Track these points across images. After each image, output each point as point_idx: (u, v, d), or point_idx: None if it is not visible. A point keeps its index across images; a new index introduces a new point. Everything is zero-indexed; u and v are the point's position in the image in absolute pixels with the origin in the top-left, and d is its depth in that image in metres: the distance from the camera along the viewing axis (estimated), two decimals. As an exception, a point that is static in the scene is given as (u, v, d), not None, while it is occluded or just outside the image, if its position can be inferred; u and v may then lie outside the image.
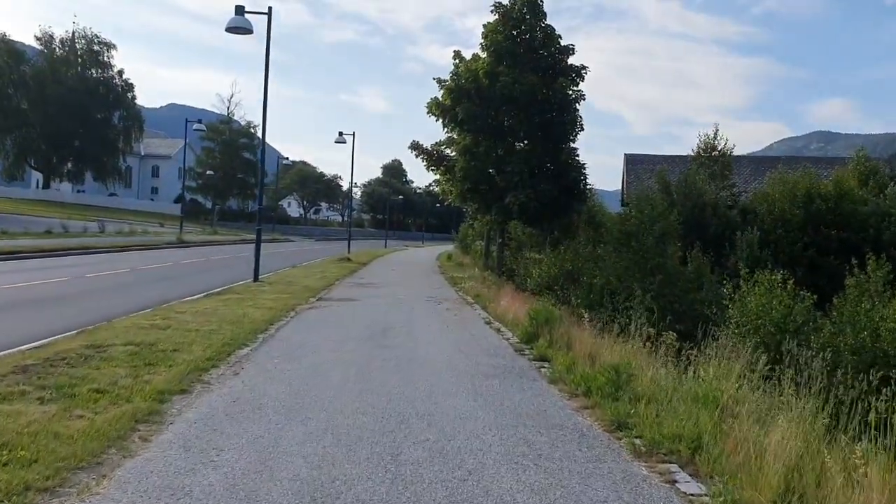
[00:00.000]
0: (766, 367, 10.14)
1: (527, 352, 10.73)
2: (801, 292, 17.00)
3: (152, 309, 13.76)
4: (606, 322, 22.15)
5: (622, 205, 46.14)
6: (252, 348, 10.14)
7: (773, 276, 16.77)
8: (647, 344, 12.11)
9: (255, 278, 21.69)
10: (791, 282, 17.25)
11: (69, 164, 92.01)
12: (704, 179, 32.81)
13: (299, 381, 8.11)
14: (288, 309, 15.06)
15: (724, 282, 25.27)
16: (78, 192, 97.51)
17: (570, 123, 26.81)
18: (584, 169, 27.27)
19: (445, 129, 28.42)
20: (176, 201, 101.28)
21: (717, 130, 36.95)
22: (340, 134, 44.20)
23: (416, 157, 28.37)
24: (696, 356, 11.47)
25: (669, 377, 8.74)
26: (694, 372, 9.81)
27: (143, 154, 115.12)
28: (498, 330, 13.14)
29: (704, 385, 8.06)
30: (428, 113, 27.62)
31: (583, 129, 27.67)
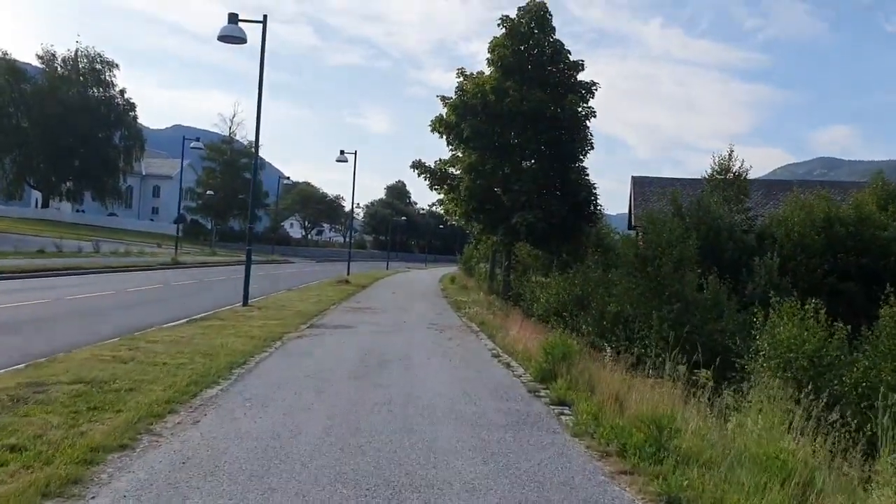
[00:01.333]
0: (825, 412, 8.74)
1: (542, 393, 9.26)
2: (835, 324, 15.70)
3: (122, 337, 12.34)
4: (622, 352, 20.80)
5: (629, 228, 44.85)
6: (223, 387, 8.69)
7: (808, 306, 15.34)
8: (676, 382, 10.74)
9: (245, 302, 20.28)
10: (823, 312, 15.88)
11: (69, 184, 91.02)
12: (719, 202, 31.45)
13: (270, 433, 6.66)
14: (274, 338, 13.63)
15: (750, 310, 24.03)
16: (77, 211, 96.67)
17: (579, 141, 25.54)
18: (595, 189, 25.95)
19: (450, 148, 27.18)
20: (175, 222, 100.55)
21: (733, 151, 35.50)
22: (342, 152, 43.10)
23: (419, 175, 27.08)
24: (733, 397, 10.05)
25: (716, 430, 7.30)
26: (736, 419, 8.40)
27: (144, 174, 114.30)
28: (507, 365, 11.66)
29: (762, 443, 6.61)
30: (432, 130, 26.36)
31: (592, 148, 26.44)
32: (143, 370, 9.17)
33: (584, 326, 23.71)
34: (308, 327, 16.25)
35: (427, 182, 27.21)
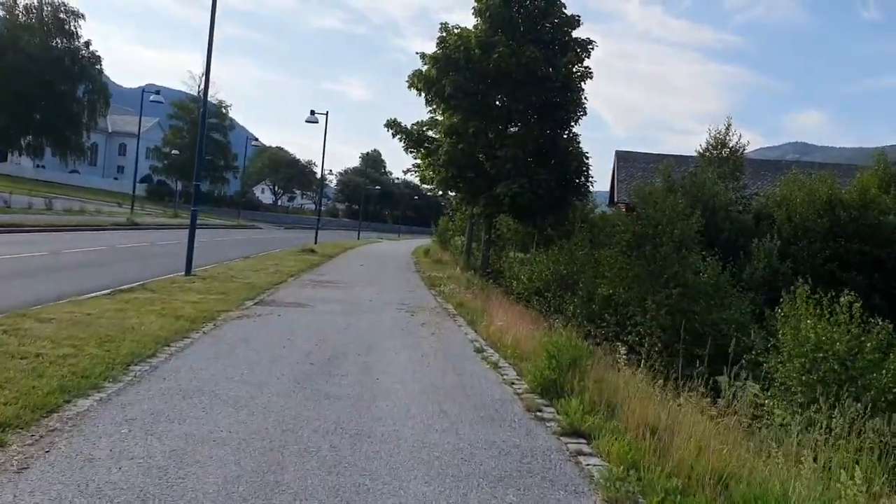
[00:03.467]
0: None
1: (547, 413, 6.84)
2: (871, 320, 13.54)
3: (10, 313, 9.73)
4: (611, 339, 18.62)
5: (610, 204, 42.75)
6: (102, 397, 6.19)
7: (844, 298, 13.14)
8: (683, 388, 8.53)
9: (188, 271, 17.67)
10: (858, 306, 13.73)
11: (29, 138, 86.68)
12: (714, 179, 29.29)
13: (138, 490, 4.21)
14: (207, 318, 11.10)
15: (750, 297, 21.90)
16: (38, 167, 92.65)
17: (572, 105, 22.99)
18: (588, 158, 23.47)
19: (429, 109, 24.55)
20: (142, 181, 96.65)
21: (730, 125, 33.18)
22: (312, 113, 40.37)
23: (394, 136, 24.37)
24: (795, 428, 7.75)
25: (812, 489, 4.96)
26: (815, 459, 6.11)
27: (110, 131, 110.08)
28: (495, 366, 9.20)
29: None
30: (409, 86, 23.70)
31: (585, 114, 23.92)
32: (-1, 367, 6.64)
33: (570, 309, 21.53)
34: (255, 304, 13.73)
35: (402, 144, 24.56)
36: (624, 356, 8.67)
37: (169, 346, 8.69)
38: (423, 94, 23.35)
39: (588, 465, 5.40)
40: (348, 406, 6.61)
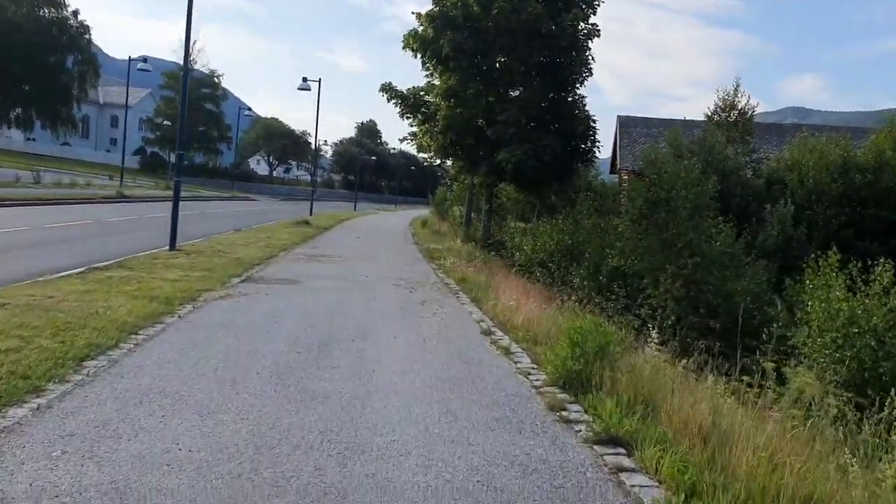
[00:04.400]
0: None
1: (573, 414, 5.76)
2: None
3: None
4: (622, 312, 17.62)
5: (611, 172, 41.56)
6: (38, 405, 5.10)
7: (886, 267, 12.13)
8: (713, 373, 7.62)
9: (171, 246, 16.60)
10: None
11: (18, 110, 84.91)
12: (723, 143, 28.12)
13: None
14: (186, 298, 10.04)
15: (763, 264, 20.85)
16: (29, 140, 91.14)
17: (577, 65, 21.71)
18: (594, 121, 22.24)
19: (426, 72, 23.29)
20: (135, 153, 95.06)
21: (739, 85, 31.73)
22: (304, 80, 39.13)
23: (389, 100, 23.12)
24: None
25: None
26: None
27: (102, 103, 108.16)
28: (507, 351, 8.13)
29: None
30: (404, 47, 22.41)
31: (591, 74, 22.65)
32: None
33: (576, 280, 20.55)
34: (241, 281, 12.66)
35: (398, 109, 23.32)
36: (655, 342, 7.62)
37: (137, 334, 7.63)
38: (419, 56, 22.09)
39: (633, 486, 4.35)
40: (338, 409, 5.56)
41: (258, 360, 6.93)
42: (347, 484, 4.09)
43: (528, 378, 6.95)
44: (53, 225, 21.37)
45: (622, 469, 4.64)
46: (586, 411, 5.77)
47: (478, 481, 4.27)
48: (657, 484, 4.36)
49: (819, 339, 12.45)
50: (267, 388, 6.02)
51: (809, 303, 13.04)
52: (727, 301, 17.10)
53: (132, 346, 7.14)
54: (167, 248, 16.55)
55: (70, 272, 11.69)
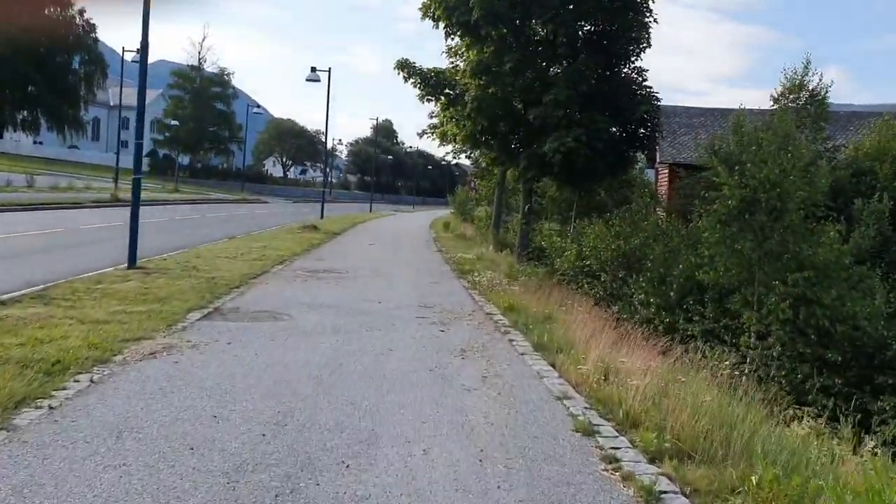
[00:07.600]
0: None
1: None
2: None
3: None
4: (697, 339, 13.95)
5: (648, 167, 37.71)
6: None
7: None
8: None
9: (131, 262, 12.86)
10: None
11: (24, 113, 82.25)
12: (797, 130, 24.05)
13: None
14: (91, 361, 6.24)
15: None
16: (36, 143, 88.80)
17: (637, 28, 17.59)
18: (658, 100, 18.17)
19: (449, 46, 19.43)
20: (147, 155, 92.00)
21: (809, 63, 27.31)
22: (313, 70, 35.68)
23: (406, 80, 19.21)
24: None
25: None
26: None
27: (112, 104, 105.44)
28: (648, 492, 4.20)
29: None
30: (423, 15, 18.53)
31: (650, 45, 18.55)
32: None
33: (638, 295, 16.70)
34: (202, 318, 8.84)
35: (418, 91, 19.37)
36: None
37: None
38: (441, 25, 18.12)
39: None
40: None
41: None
42: None
43: None
44: (20, 234, 18.35)
45: None
46: None
47: None
48: None
49: None
50: None
51: None
52: (845, 325, 13.17)
53: None
54: (126, 265, 12.84)
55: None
